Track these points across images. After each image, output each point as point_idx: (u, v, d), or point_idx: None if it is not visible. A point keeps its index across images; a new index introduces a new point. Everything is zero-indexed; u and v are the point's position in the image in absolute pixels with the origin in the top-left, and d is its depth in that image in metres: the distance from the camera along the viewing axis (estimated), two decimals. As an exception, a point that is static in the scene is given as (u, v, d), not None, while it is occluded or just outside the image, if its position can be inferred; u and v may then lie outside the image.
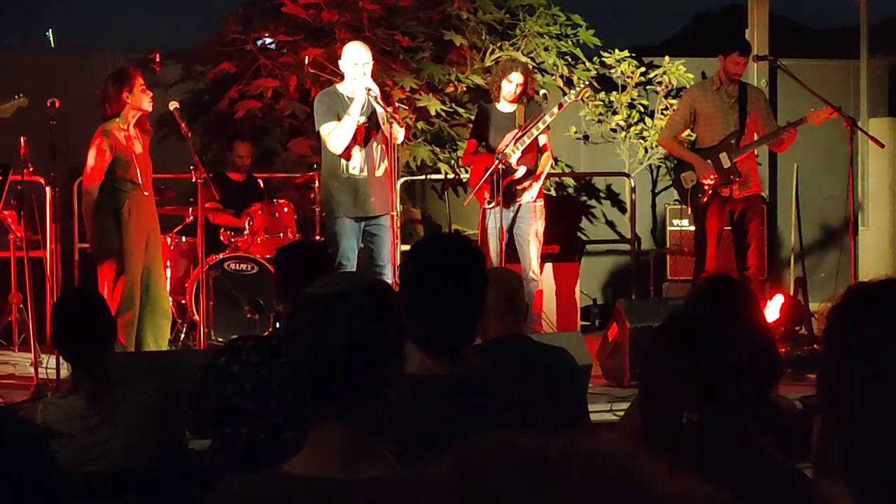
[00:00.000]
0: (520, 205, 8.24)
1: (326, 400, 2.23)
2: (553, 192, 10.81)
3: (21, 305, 8.39)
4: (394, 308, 2.30)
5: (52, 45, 13.24)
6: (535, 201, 8.32)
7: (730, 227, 8.79)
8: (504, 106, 8.30)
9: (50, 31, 13.96)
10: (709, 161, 8.49)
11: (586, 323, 10.35)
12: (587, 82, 8.79)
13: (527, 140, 8.12)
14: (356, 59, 7.74)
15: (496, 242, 8.16)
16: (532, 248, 8.26)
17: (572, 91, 8.34)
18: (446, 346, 2.95)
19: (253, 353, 4.00)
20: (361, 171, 7.83)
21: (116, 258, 7.41)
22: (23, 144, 7.47)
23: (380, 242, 7.87)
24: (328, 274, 2.47)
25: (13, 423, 3.06)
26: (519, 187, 8.23)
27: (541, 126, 8.12)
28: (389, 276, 7.70)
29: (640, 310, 7.73)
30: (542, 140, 8.32)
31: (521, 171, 8.16)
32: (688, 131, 8.92)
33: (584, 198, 11.43)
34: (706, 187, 8.46)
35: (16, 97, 7.63)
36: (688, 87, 10.23)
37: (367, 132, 7.82)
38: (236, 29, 10.58)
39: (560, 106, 8.22)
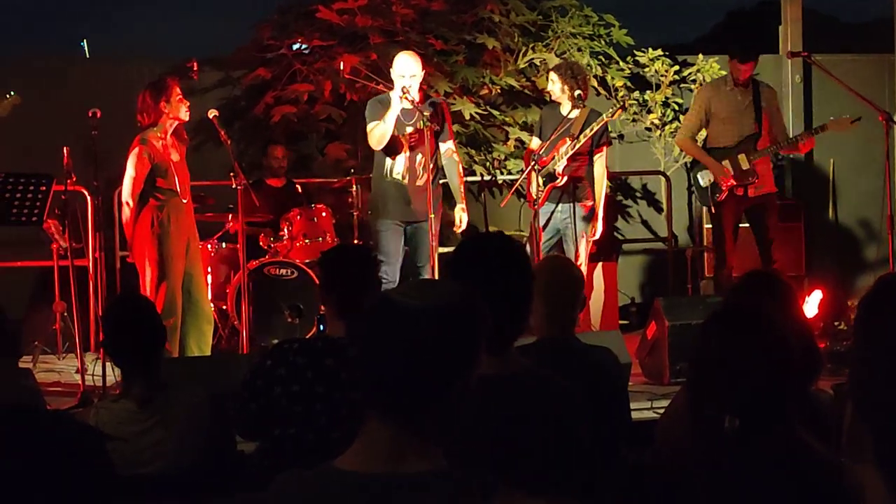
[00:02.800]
0: (571, 205, 8.25)
1: (382, 403, 2.26)
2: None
3: (65, 314, 8.48)
4: (473, 330, 2.29)
5: (87, 56, 13.33)
6: (586, 201, 8.31)
7: (747, 226, 8.80)
8: (567, 109, 8.29)
9: (85, 41, 14.06)
10: (725, 162, 8.51)
11: (625, 321, 10.35)
12: (620, 103, 8.75)
13: (570, 151, 8.13)
14: (402, 72, 7.89)
15: (543, 242, 8.21)
16: (581, 249, 8.26)
17: (609, 110, 8.31)
18: (491, 345, 2.98)
19: (299, 355, 4.05)
20: (404, 177, 8.02)
21: (157, 266, 7.48)
22: (65, 154, 7.57)
23: (419, 245, 8.06)
24: (415, 280, 2.47)
25: (73, 427, 3.12)
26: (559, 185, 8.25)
27: (581, 139, 8.13)
28: (427, 276, 7.89)
29: (679, 307, 7.73)
30: (599, 166, 8.34)
31: (564, 179, 8.18)
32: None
33: (620, 197, 11.43)
34: (724, 188, 8.49)
35: (8, 95, 7.68)
36: (700, 87, 10.22)
37: (413, 141, 7.94)
38: (271, 35, 10.64)
39: (599, 123, 8.19)
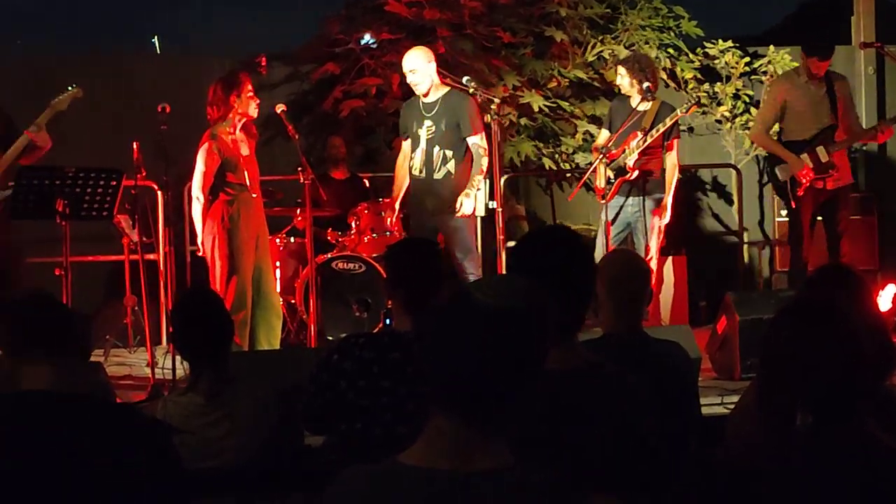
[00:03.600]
0: (642, 199, 8.20)
1: (450, 400, 2.24)
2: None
3: (136, 308, 8.56)
4: (544, 329, 2.27)
5: (158, 52, 13.45)
6: (657, 195, 8.26)
7: (820, 218, 8.69)
8: (636, 102, 8.22)
9: (156, 38, 14.19)
10: (804, 156, 8.40)
11: (694, 316, 10.25)
12: (693, 97, 8.64)
13: (642, 145, 8.07)
14: (404, 70, 8.09)
15: (612, 236, 8.17)
16: (652, 243, 8.21)
17: (683, 105, 8.24)
18: (558, 340, 2.95)
19: (366, 350, 4.05)
20: (420, 171, 8.09)
21: (227, 260, 7.52)
22: (135, 150, 7.63)
23: (450, 239, 8.04)
24: (493, 276, 2.43)
25: (141, 420, 3.13)
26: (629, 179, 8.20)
27: (654, 133, 8.07)
28: (472, 268, 8.03)
29: (750, 302, 7.63)
30: (671, 159, 8.28)
31: (635, 173, 8.12)
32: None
33: (690, 190, 11.34)
34: (804, 182, 8.37)
35: (69, 88, 7.75)
36: (773, 79, 10.09)
37: (431, 135, 8.00)
38: (339, 29, 10.67)
39: (672, 118, 8.12)
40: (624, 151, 8.17)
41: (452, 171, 7.96)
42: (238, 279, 7.51)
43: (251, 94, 7.62)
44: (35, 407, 2.98)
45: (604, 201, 8.27)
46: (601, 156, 8.19)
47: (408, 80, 8.04)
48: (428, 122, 8.03)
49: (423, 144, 8.05)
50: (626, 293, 4.00)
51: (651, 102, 8.16)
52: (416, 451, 2.26)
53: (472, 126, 7.98)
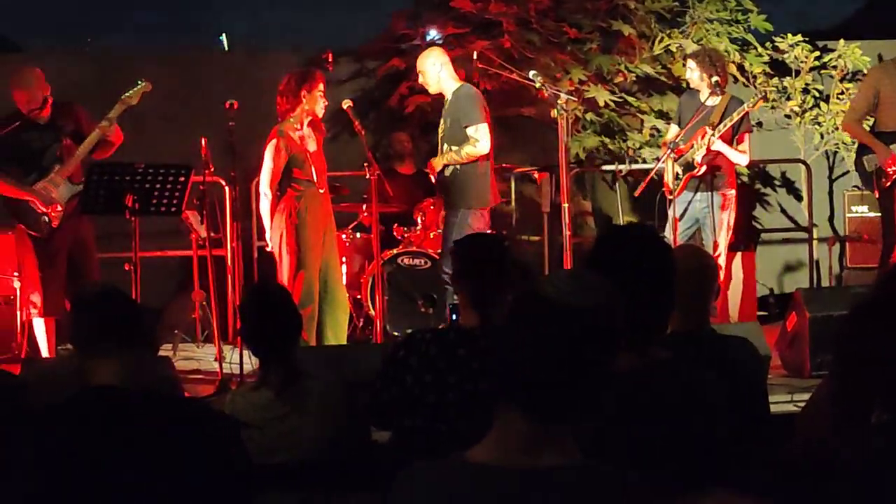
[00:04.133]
0: (710, 194, 8.13)
1: (522, 397, 2.23)
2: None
3: (204, 303, 8.62)
4: (616, 327, 2.26)
5: (226, 49, 13.53)
6: (725, 190, 8.21)
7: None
8: (705, 96, 8.16)
9: (224, 35, 14.28)
10: (894, 146, 8.26)
11: (763, 313, 10.16)
12: (760, 91, 8.54)
13: (711, 140, 8.01)
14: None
15: (680, 232, 8.12)
16: (721, 239, 8.15)
17: (751, 99, 8.15)
18: (634, 340, 2.91)
19: (431, 345, 4.04)
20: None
21: (295, 255, 7.56)
22: (203, 146, 7.69)
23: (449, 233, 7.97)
24: (566, 272, 2.40)
25: (208, 415, 3.15)
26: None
27: (721, 128, 8.00)
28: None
29: (821, 299, 7.55)
30: (743, 146, 8.21)
31: (703, 168, 8.06)
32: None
33: (759, 186, 11.22)
34: (890, 172, 8.23)
35: (139, 82, 7.82)
36: (868, 68, 9.95)
37: (443, 133, 8.14)
38: (406, 25, 10.68)
39: (739, 113, 8.05)
40: (692, 146, 8.11)
41: (459, 167, 7.93)
42: (305, 274, 7.55)
43: (322, 92, 7.65)
44: (105, 402, 3.00)
45: (672, 197, 8.22)
46: (669, 151, 8.13)
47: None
48: (441, 121, 8.12)
49: (439, 142, 8.11)
50: (694, 289, 3.95)
51: (720, 97, 8.10)
52: (484, 448, 2.25)
53: (468, 117, 7.97)
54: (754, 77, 10.63)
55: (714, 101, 8.11)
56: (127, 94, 7.71)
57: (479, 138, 7.89)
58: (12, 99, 7.70)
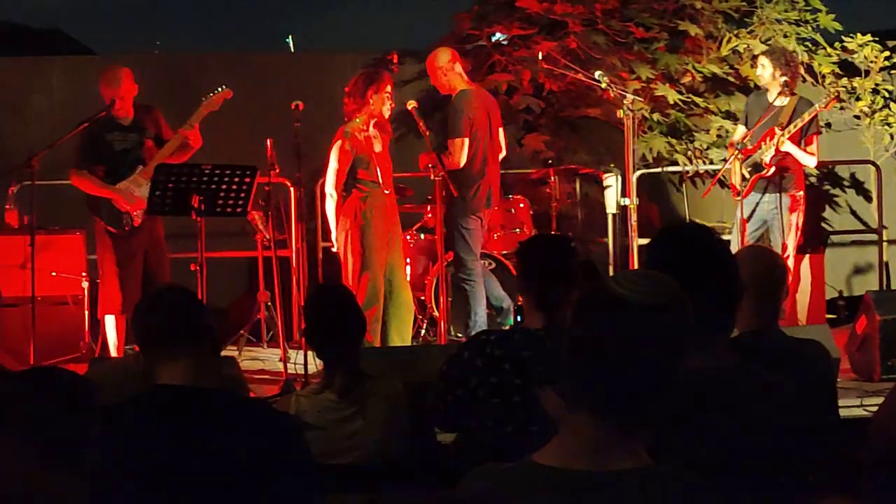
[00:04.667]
0: (778, 196, 8.06)
1: (592, 399, 2.20)
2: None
3: (269, 303, 8.65)
4: (688, 327, 2.24)
5: (293, 51, 13.60)
6: (794, 191, 8.13)
7: None
8: (774, 96, 8.08)
9: (290, 37, 14.36)
10: None
11: (832, 315, 10.03)
12: (832, 92, 8.45)
13: (780, 140, 7.93)
14: None
15: (748, 233, 8.05)
16: (789, 240, 8.07)
17: (822, 99, 8.07)
18: (699, 341, 2.87)
19: (496, 347, 4.01)
20: None
21: (360, 256, 7.58)
22: (269, 147, 7.72)
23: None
24: (633, 272, 2.37)
25: (274, 416, 3.15)
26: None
27: (791, 129, 7.93)
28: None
29: (891, 301, 7.44)
30: (812, 147, 8.13)
31: (772, 169, 7.99)
32: None
33: (828, 187, 11.08)
34: None
35: (219, 89, 7.87)
36: None
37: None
38: (471, 26, 10.66)
39: (810, 113, 7.97)
40: (760, 147, 8.03)
41: (452, 172, 7.94)
42: (370, 275, 7.56)
43: (388, 94, 7.67)
44: (168, 401, 3.01)
45: (739, 198, 8.14)
46: (737, 152, 8.06)
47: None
48: None
49: None
50: (763, 291, 3.90)
51: (789, 97, 8.02)
52: (551, 451, 2.23)
53: (449, 128, 8.07)
54: (823, 77, 10.50)
55: (783, 101, 8.03)
56: (208, 99, 7.78)
57: (452, 152, 7.97)
58: (89, 99, 7.79)
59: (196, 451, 2.92)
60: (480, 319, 8.09)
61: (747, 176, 8.14)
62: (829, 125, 10.78)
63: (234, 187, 7.08)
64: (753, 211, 8.15)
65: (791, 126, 7.92)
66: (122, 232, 7.68)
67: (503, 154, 8.45)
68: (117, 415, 2.79)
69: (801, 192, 8.19)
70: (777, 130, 7.95)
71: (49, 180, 8.41)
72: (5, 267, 8.45)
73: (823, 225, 10.77)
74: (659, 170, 10.62)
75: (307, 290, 8.31)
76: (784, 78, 7.98)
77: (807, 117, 7.90)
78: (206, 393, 3.06)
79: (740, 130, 8.43)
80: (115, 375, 3.69)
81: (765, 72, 8.16)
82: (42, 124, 9.99)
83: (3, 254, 8.62)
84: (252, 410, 3.15)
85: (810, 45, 10.62)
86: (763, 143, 8.02)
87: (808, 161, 8.18)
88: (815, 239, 9.89)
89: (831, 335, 6.83)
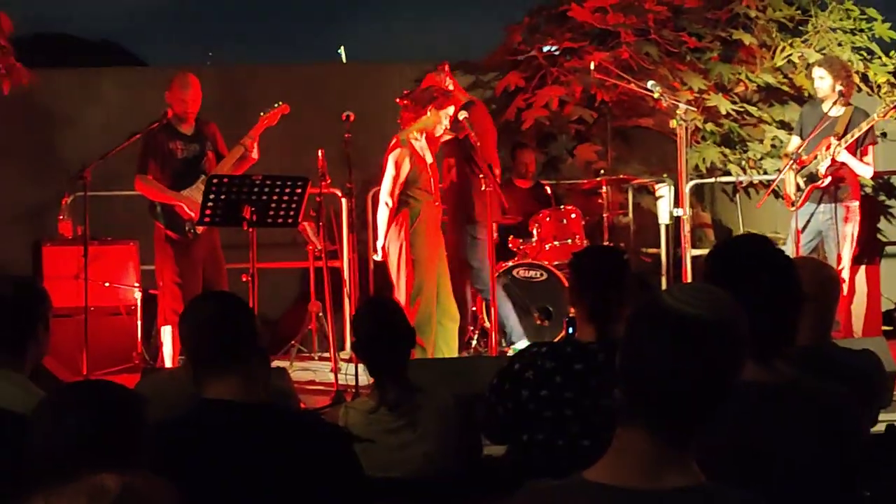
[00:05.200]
0: (833, 206, 7.98)
1: (647, 414, 2.16)
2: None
3: (320, 314, 8.66)
4: (744, 340, 2.20)
5: (344, 62, 13.62)
6: (849, 202, 8.05)
7: None
8: (829, 106, 8.02)
9: (342, 48, 14.37)
10: None
11: (889, 328, 9.89)
12: (892, 103, 8.36)
13: (837, 151, 7.86)
14: None
15: (803, 244, 7.98)
16: (844, 251, 7.99)
17: (880, 109, 7.99)
18: (760, 353, 2.83)
19: (547, 359, 3.96)
20: None
21: (412, 266, 7.57)
22: (320, 157, 7.74)
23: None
24: (687, 284, 2.33)
25: (323, 428, 3.13)
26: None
27: (848, 139, 7.86)
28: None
29: (949, 313, 7.33)
30: (868, 158, 8.05)
31: (827, 180, 7.92)
32: None
33: (883, 197, 10.95)
34: None
35: (276, 104, 7.92)
36: None
37: None
38: (522, 37, 10.64)
39: (868, 122, 7.90)
40: (816, 157, 7.95)
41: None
42: (425, 285, 7.56)
43: (448, 115, 7.68)
44: (217, 416, 2.99)
45: (793, 209, 8.07)
46: (791, 162, 7.99)
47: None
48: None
49: None
50: (816, 303, 3.84)
51: (845, 107, 7.94)
52: (602, 467, 2.19)
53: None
54: (878, 87, 10.39)
55: (838, 111, 7.95)
56: (266, 114, 7.84)
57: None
58: (142, 110, 7.82)
59: (244, 464, 2.90)
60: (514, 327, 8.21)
61: (802, 186, 8.07)
62: (884, 135, 10.66)
63: (286, 198, 7.08)
64: (808, 222, 8.07)
65: (848, 136, 7.84)
66: (184, 239, 7.71)
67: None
68: (165, 433, 2.77)
69: (857, 203, 8.10)
70: (833, 140, 7.87)
71: (102, 191, 8.46)
72: (59, 278, 8.51)
73: (879, 236, 10.63)
74: (712, 180, 10.54)
75: (358, 301, 8.30)
76: (840, 88, 7.91)
77: (864, 127, 7.81)
78: (254, 408, 3.03)
79: (794, 141, 8.36)
80: (166, 387, 3.66)
81: (823, 82, 8.08)
82: (95, 135, 10.06)
83: (56, 264, 8.70)
84: (301, 424, 3.12)
85: (865, 55, 10.52)
86: (818, 153, 7.94)
87: (864, 171, 8.09)
88: (870, 250, 9.76)
89: (888, 347, 6.73)
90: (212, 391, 3.08)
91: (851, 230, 8.05)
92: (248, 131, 7.84)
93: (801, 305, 3.00)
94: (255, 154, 7.82)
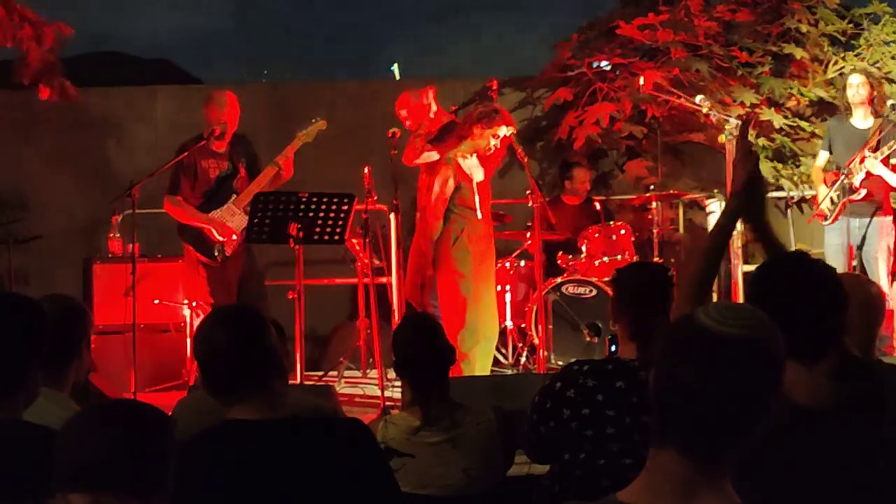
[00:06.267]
0: (868, 220, 7.93)
1: (683, 435, 2.13)
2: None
3: (369, 330, 8.66)
4: (783, 361, 2.15)
5: (398, 79, 13.65)
6: (883, 216, 8.00)
7: None
8: (858, 120, 7.97)
9: (395, 65, 14.41)
10: None
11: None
12: None
13: (874, 162, 7.80)
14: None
15: (837, 259, 7.90)
16: (881, 265, 7.92)
17: None
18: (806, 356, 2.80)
19: (589, 377, 3.92)
20: None
21: (458, 282, 7.56)
22: (366, 174, 7.74)
23: None
24: (722, 303, 2.30)
25: (357, 440, 3.10)
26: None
27: (885, 150, 7.79)
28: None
29: None
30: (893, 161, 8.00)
31: (861, 193, 7.87)
32: None
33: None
34: None
35: (314, 121, 7.90)
36: None
37: None
38: (572, 54, 10.62)
39: None
40: (849, 171, 7.94)
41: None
42: (469, 302, 7.54)
43: (495, 135, 7.61)
44: (237, 435, 2.97)
45: (826, 223, 8.06)
46: (843, 176, 7.95)
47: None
48: None
49: None
50: (860, 320, 3.79)
51: (874, 119, 7.92)
52: (635, 489, 2.15)
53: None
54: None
55: (867, 123, 7.94)
56: (303, 131, 7.82)
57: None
58: (192, 127, 7.88)
59: (269, 484, 2.89)
60: None
61: (836, 200, 8.04)
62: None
63: (332, 215, 7.09)
64: (844, 236, 8.05)
65: (885, 148, 7.79)
66: (214, 262, 7.72)
67: None
68: (187, 451, 2.75)
69: (890, 217, 8.06)
70: (868, 153, 7.83)
71: (152, 209, 8.51)
72: (109, 295, 8.58)
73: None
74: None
75: (401, 319, 8.30)
76: (873, 97, 7.93)
77: None
78: (278, 424, 2.99)
79: (822, 156, 8.35)
80: (209, 402, 3.63)
81: (861, 91, 8.06)
82: (145, 153, 10.16)
83: (107, 282, 8.76)
84: (323, 429, 3.07)
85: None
86: (852, 166, 7.92)
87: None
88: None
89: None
90: (234, 413, 3.04)
91: (888, 244, 8.00)
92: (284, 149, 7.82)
93: (843, 325, 2.96)
94: (286, 172, 7.77)
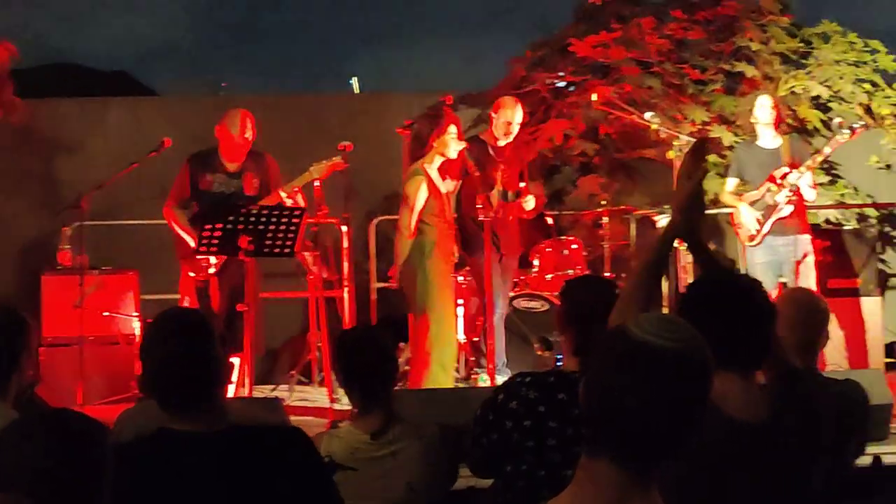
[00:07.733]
0: (793, 238, 8.07)
1: (615, 446, 2.15)
2: (854, 224, 10.34)
3: (319, 344, 8.65)
4: (709, 374, 2.19)
5: (357, 92, 13.65)
6: (803, 234, 8.12)
7: None
8: (767, 141, 8.13)
9: (354, 78, 14.39)
10: None
11: (892, 360, 9.84)
12: (855, 125, 8.42)
13: (795, 179, 7.95)
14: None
15: (765, 277, 7.99)
16: (811, 281, 8.04)
17: (844, 131, 8.04)
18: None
19: (532, 389, 3.93)
20: None
21: (424, 293, 7.59)
22: (317, 187, 7.75)
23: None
24: (654, 315, 2.32)
25: (296, 454, 3.10)
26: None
27: (811, 164, 7.94)
28: None
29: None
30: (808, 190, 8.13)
31: (788, 210, 7.99)
32: None
33: (888, 229, 10.92)
34: None
35: (334, 158, 7.79)
36: None
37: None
38: (525, 72, 10.66)
39: (832, 146, 8.01)
40: (769, 190, 8.06)
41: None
42: (433, 314, 7.59)
43: (453, 135, 7.68)
44: (169, 445, 2.95)
45: (752, 244, 8.16)
46: (788, 191, 8.05)
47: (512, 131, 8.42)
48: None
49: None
50: (801, 333, 3.85)
51: (782, 137, 8.09)
52: (569, 497, 2.18)
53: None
54: (882, 119, 10.37)
55: (776, 143, 8.10)
56: (317, 167, 7.72)
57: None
58: (144, 139, 7.84)
59: (207, 491, 2.89)
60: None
61: (762, 220, 8.14)
62: (889, 166, 10.65)
63: (283, 228, 7.09)
64: (769, 255, 8.16)
65: (810, 161, 7.98)
66: (199, 274, 7.66)
67: None
68: (123, 459, 2.74)
69: (809, 236, 8.21)
70: (785, 170, 7.98)
71: (105, 220, 8.47)
72: (58, 307, 8.52)
73: (883, 267, 10.59)
74: (715, 211, 10.51)
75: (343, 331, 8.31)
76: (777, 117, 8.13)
77: (828, 151, 7.95)
78: (216, 434, 2.98)
79: (731, 183, 8.49)
80: (153, 412, 3.60)
81: (773, 111, 8.18)
82: (99, 165, 10.10)
83: (56, 294, 8.70)
84: (260, 439, 3.05)
85: (869, 87, 10.50)
86: (768, 184, 8.06)
87: (811, 196, 8.20)
88: (878, 282, 9.73)
89: (884, 378, 6.72)
90: (176, 423, 3.00)
91: (811, 260, 8.13)
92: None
93: (772, 323, 3.01)
94: (294, 204, 7.57)
